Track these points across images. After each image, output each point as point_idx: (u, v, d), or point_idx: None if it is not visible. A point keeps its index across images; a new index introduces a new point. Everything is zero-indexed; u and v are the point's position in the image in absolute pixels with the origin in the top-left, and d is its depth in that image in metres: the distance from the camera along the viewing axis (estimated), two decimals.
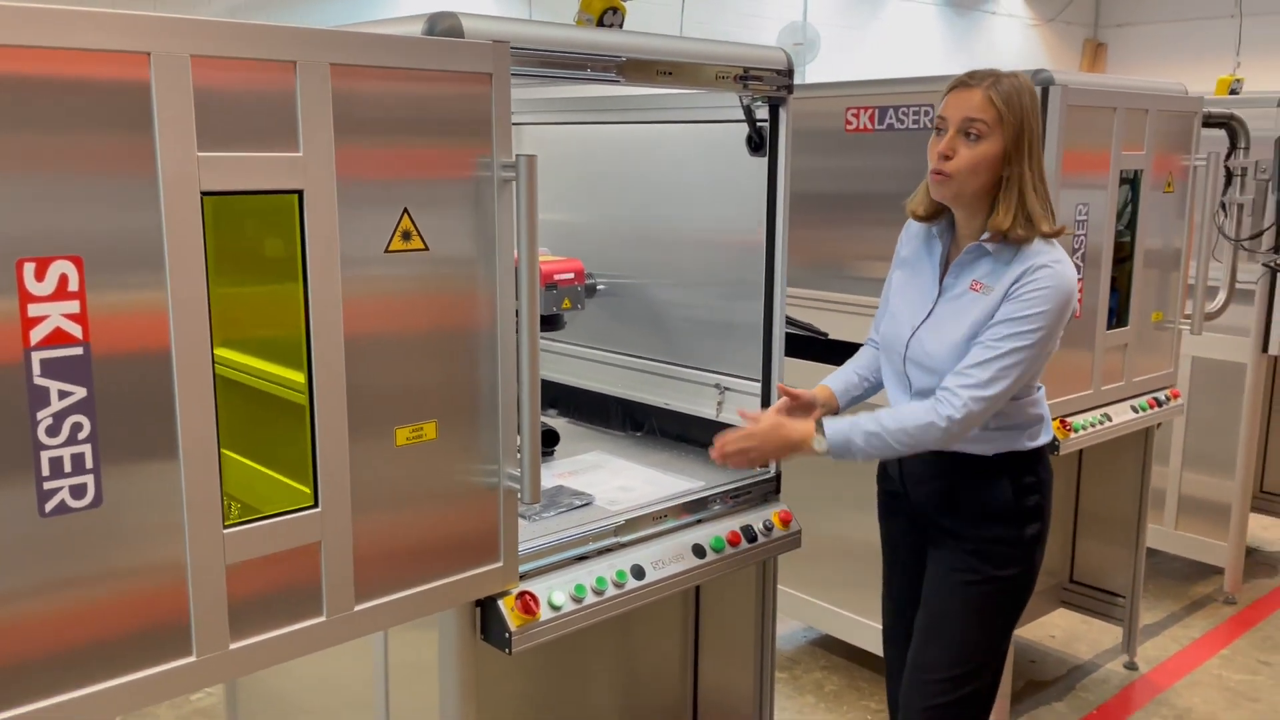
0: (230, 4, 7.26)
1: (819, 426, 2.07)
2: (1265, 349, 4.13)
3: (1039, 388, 2.17)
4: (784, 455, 2.15)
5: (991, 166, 2.02)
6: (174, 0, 6.98)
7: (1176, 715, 3.47)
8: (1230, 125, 3.68)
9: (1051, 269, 2.00)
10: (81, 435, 1.36)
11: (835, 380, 2.35)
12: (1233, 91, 4.79)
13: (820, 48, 10.12)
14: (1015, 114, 2.00)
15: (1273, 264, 3.87)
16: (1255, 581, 4.55)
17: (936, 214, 2.16)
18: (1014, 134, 2.00)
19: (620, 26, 2.34)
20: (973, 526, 2.14)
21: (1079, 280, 2.67)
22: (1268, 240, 3.91)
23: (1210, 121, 3.56)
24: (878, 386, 2.33)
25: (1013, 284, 2.00)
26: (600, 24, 2.33)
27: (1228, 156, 3.71)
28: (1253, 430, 4.22)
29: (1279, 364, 4.77)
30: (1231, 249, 3.77)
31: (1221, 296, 3.82)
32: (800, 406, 2.26)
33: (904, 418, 2.02)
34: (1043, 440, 2.17)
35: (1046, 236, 2.04)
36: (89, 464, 1.37)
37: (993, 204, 2.05)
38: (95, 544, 1.40)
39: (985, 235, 2.06)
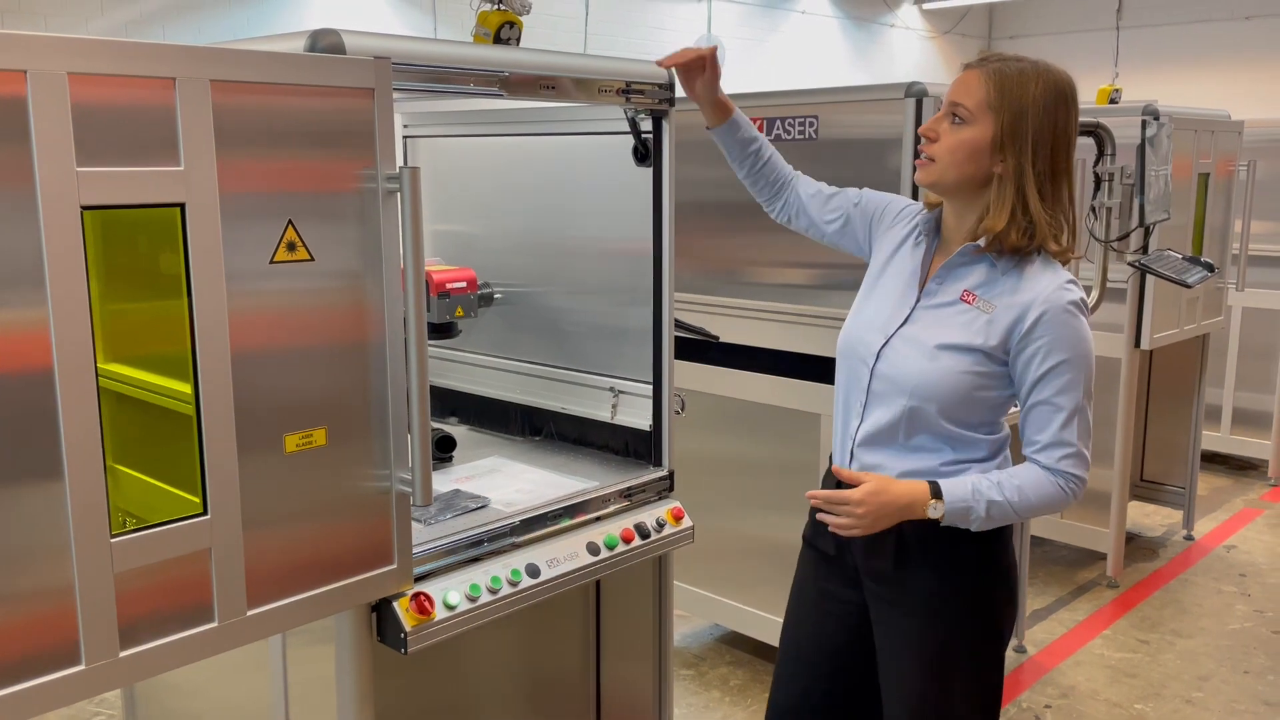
0: (123, 17, 7.12)
1: (935, 490, 1.83)
2: (1138, 344, 4.36)
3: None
4: (892, 522, 1.86)
5: (975, 156, 1.83)
6: (64, 14, 6.84)
7: (1061, 693, 3.65)
8: (1098, 133, 3.89)
9: (1067, 300, 1.82)
10: None
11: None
12: (1113, 100, 5.02)
13: (725, 59, 10.32)
14: (1014, 101, 1.80)
15: (1140, 264, 4.10)
16: (1136, 565, 4.79)
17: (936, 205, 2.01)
18: (1010, 122, 1.80)
19: (517, 40, 2.39)
20: (923, 580, 1.93)
21: None
22: (1135, 241, 4.14)
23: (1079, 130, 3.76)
24: (763, 162, 2.26)
25: (1033, 324, 1.82)
26: (497, 38, 2.38)
27: (1096, 163, 3.92)
28: (1129, 422, 4.45)
29: (1152, 358, 5.05)
30: (1102, 250, 3.99)
31: (1094, 295, 4.03)
32: (710, 71, 2.16)
33: (1029, 492, 1.83)
34: None
35: (1054, 255, 1.85)
36: None
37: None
38: None
39: (980, 239, 1.87)
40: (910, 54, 13.57)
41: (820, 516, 1.91)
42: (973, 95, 1.83)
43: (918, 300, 1.94)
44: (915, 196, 2.34)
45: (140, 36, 7.16)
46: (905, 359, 1.90)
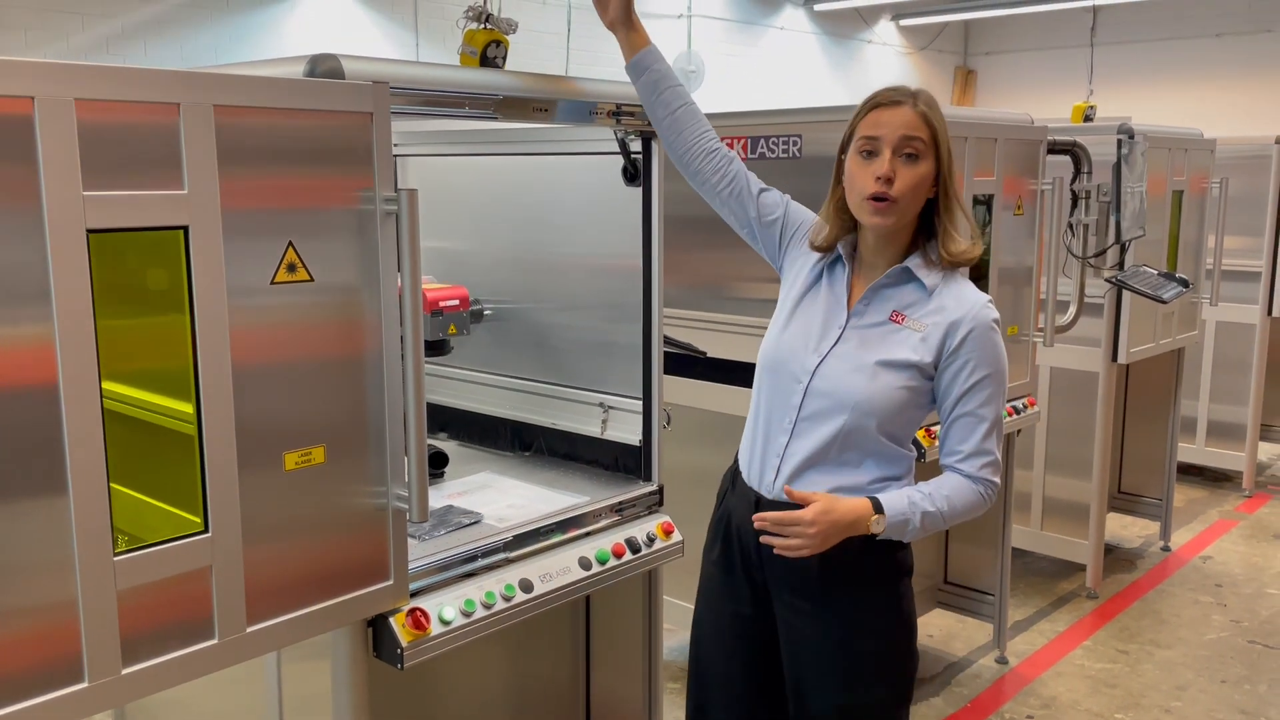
0: (104, 32, 7.11)
1: (876, 505, 1.90)
2: (1115, 358, 4.43)
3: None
4: (838, 540, 1.90)
5: (924, 190, 1.92)
6: (44, 27, 6.82)
7: (1042, 704, 3.69)
8: (1074, 152, 3.97)
9: (990, 318, 1.96)
10: None
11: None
12: (1087, 118, 5.09)
13: (706, 75, 10.43)
14: (944, 132, 1.93)
15: (1116, 280, 4.17)
16: (1115, 576, 4.86)
17: (833, 244, 2.06)
18: (947, 153, 1.92)
19: (503, 59, 2.42)
20: (847, 592, 2.00)
21: None
22: (1112, 257, 4.21)
23: (1055, 148, 3.84)
24: (675, 101, 2.22)
25: (962, 340, 1.93)
26: (484, 56, 2.40)
27: (1073, 180, 4.00)
28: (1107, 434, 4.52)
29: (1129, 372, 5.13)
30: (1079, 266, 4.06)
31: (1072, 310, 4.10)
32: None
33: (956, 501, 1.94)
34: None
35: (960, 254, 1.98)
36: None
37: (918, 231, 1.98)
38: None
39: (917, 258, 1.97)
40: (887, 70, 13.69)
41: (765, 539, 1.94)
42: (922, 130, 1.91)
43: (847, 320, 2.01)
44: None
45: (121, 52, 7.15)
46: (845, 376, 1.97)
